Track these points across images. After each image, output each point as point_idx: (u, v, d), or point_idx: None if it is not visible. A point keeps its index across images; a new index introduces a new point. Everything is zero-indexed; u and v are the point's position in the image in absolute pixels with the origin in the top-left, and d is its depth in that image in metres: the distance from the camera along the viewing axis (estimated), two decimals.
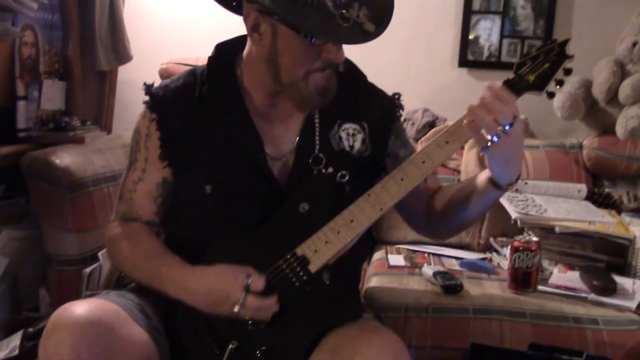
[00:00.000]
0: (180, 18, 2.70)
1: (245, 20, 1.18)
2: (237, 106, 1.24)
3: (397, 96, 1.36)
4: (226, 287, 1.11)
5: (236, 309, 1.10)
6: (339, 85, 1.22)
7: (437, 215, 1.31)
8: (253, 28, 1.16)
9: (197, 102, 1.25)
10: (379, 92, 1.36)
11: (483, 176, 1.19)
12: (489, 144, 1.09)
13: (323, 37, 1.11)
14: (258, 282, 1.12)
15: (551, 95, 1.17)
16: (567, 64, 1.16)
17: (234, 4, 1.25)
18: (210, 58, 1.28)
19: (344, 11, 1.08)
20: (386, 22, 1.13)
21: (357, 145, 1.28)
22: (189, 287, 1.14)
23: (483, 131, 1.10)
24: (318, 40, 1.11)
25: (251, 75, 1.24)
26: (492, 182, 1.17)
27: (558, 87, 1.17)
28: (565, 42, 1.17)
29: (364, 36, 1.10)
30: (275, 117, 1.26)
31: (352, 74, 1.31)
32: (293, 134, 1.26)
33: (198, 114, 1.24)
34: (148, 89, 1.28)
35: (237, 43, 1.28)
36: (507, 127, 1.07)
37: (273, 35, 1.14)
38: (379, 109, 1.32)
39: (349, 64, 1.31)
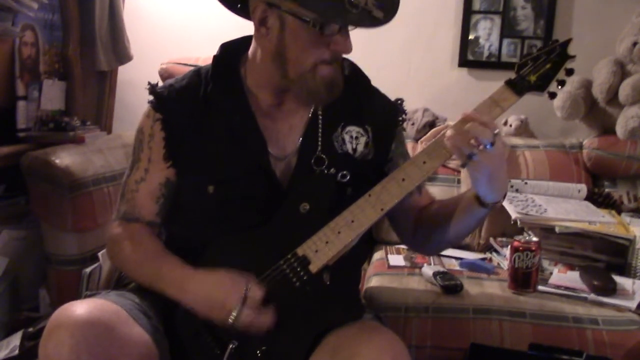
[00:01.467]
0: (180, 18, 2.70)
1: (253, 15, 1.18)
2: (241, 106, 1.24)
3: (399, 101, 1.35)
4: (223, 296, 1.10)
5: (231, 319, 1.09)
6: (343, 88, 1.21)
7: (424, 230, 1.31)
8: (260, 22, 1.17)
9: (202, 103, 1.24)
10: (382, 97, 1.36)
11: (469, 193, 1.19)
12: (468, 161, 1.07)
13: (332, 20, 1.11)
14: (256, 292, 1.11)
15: (553, 95, 1.17)
16: (569, 64, 1.16)
17: (239, 5, 1.25)
18: (215, 57, 1.28)
19: None
20: (394, 10, 1.14)
21: (360, 148, 1.28)
22: (188, 290, 1.14)
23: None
24: (327, 29, 1.11)
25: (256, 74, 1.24)
26: (478, 199, 1.16)
27: (560, 87, 1.17)
28: (567, 43, 1.17)
29: (373, 21, 1.11)
30: (279, 118, 1.26)
31: (355, 77, 1.30)
32: (296, 135, 1.26)
33: (202, 114, 1.24)
34: (152, 88, 1.27)
35: (242, 43, 1.28)
36: (487, 146, 1.06)
37: (281, 28, 1.14)
38: (381, 113, 1.32)
39: (353, 67, 1.31)
